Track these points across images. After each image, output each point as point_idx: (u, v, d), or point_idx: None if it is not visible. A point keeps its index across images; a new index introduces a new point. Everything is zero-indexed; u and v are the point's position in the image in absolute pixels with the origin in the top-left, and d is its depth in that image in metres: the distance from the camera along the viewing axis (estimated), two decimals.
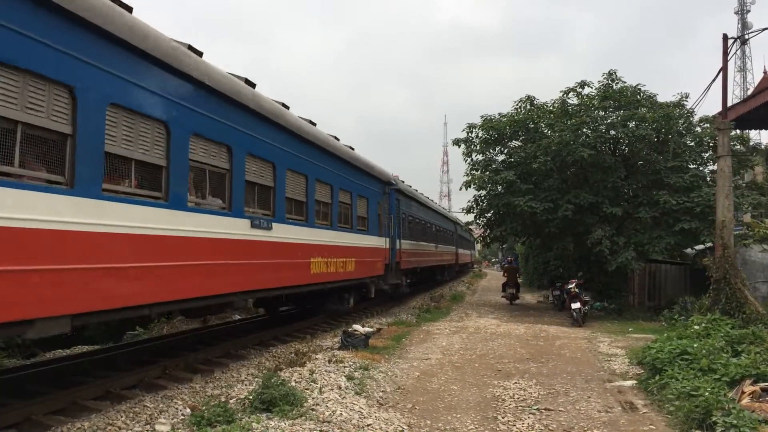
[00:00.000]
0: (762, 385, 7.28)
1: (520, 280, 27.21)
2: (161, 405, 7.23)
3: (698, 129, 19.40)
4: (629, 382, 8.84)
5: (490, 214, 21.07)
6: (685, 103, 19.35)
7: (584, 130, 18.94)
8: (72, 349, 12.32)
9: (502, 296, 24.58)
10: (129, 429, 6.28)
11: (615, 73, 19.76)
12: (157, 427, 6.30)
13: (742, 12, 77.62)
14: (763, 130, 33.88)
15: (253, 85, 10.15)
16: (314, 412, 6.60)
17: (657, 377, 8.31)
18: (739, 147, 19.38)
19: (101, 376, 8.14)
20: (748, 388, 7.20)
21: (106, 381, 7.78)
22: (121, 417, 6.64)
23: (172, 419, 6.65)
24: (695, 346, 9.06)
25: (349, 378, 8.41)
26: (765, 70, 46.60)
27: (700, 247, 19.96)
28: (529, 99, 20.50)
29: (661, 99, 19.56)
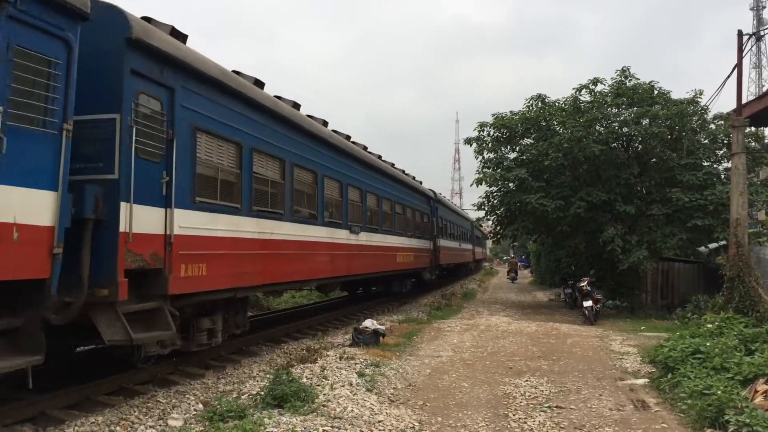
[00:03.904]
0: None
1: (526, 273, 46.26)
2: (174, 400, 7.29)
3: (712, 126, 19.22)
4: (641, 381, 8.81)
5: (501, 211, 21.00)
6: (699, 100, 19.18)
7: (596, 126, 18.83)
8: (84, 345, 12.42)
9: (507, 278, 40.96)
10: (142, 424, 6.34)
11: (628, 69, 19.61)
12: (170, 422, 6.36)
13: (757, 8, 76.61)
14: None
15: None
16: (325, 408, 6.64)
17: (669, 375, 8.28)
18: (753, 144, 19.18)
19: (114, 372, 8.21)
20: (761, 386, 7.14)
21: (119, 376, 7.84)
22: (134, 412, 6.71)
23: (185, 414, 6.70)
24: (708, 344, 8.99)
25: (360, 375, 8.44)
26: None
27: (714, 245, 19.81)
28: (541, 97, 20.37)
29: (672, 96, 19.38)
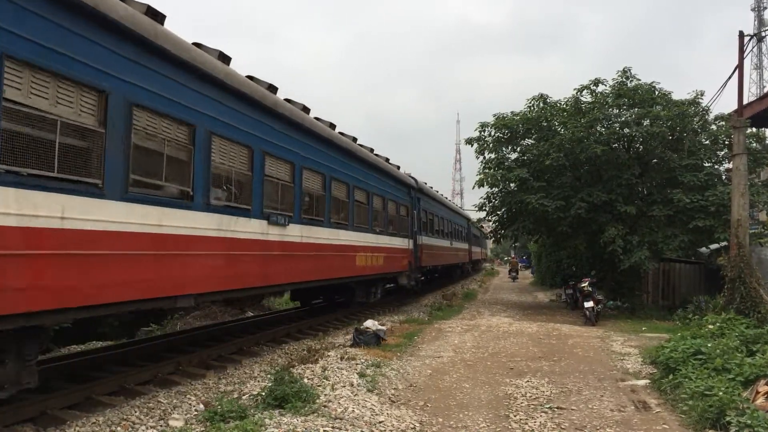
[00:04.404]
0: None
1: (527, 273, 49.56)
2: (175, 400, 7.29)
3: (713, 127, 19.22)
4: (642, 382, 8.80)
5: (502, 212, 20.99)
6: (700, 101, 19.18)
7: (597, 127, 18.84)
8: (86, 345, 12.46)
9: (508, 277, 43.02)
10: (143, 424, 6.33)
11: (629, 70, 19.61)
12: (170, 422, 6.36)
13: (758, 9, 76.61)
14: None
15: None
16: (326, 409, 6.64)
17: (670, 376, 8.27)
18: (755, 145, 19.17)
19: (115, 372, 8.22)
20: (762, 387, 7.13)
21: (120, 376, 7.86)
22: (135, 412, 6.71)
23: (186, 414, 6.70)
24: (709, 345, 8.99)
25: (361, 375, 8.44)
26: None
27: (715, 246, 19.80)
28: (542, 97, 20.37)
29: (673, 97, 19.38)
